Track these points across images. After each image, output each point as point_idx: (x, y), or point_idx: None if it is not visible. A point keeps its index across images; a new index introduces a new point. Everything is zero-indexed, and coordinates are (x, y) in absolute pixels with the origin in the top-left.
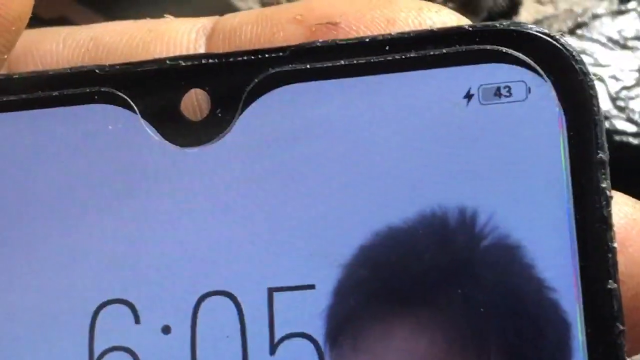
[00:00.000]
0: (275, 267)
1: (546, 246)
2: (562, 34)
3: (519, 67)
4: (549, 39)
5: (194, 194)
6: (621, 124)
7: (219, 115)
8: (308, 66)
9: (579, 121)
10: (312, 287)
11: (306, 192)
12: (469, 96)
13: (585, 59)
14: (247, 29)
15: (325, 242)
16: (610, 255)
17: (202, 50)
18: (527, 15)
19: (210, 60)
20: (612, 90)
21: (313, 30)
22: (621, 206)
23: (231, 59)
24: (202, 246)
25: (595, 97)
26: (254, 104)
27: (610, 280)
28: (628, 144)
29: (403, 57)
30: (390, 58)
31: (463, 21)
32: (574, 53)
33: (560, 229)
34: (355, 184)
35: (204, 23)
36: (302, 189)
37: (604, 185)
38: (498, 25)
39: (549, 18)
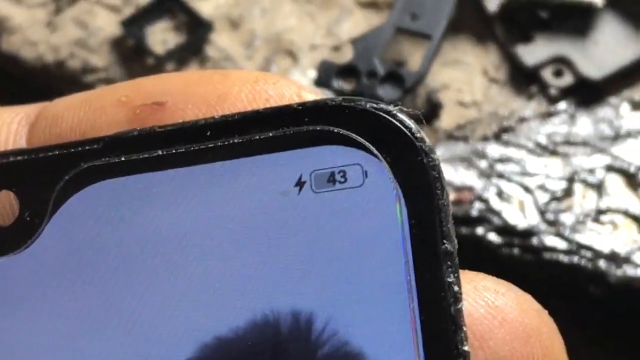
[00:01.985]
0: None
1: (389, 353)
2: (400, 109)
3: (353, 149)
4: (384, 114)
5: (2, 312)
6: (551, 240)
7: (27, 219)
8: (123, 158)
9: (420, 208)
10: None
11: (123, 302)
12: (300, 184)
13: (512, 167)
14: (70, 115)
15: (145, 357)
16: None
17: (23, 142)
18: (448, 119)
19: (18, 158)
20: (541, 202)
21: (137, 113)
22: (481, 292)
23: (40, 155)
24: None
25: (439, 178)
26: (65, 205)
27: None
28: (558, 263)
29: (226, 143)
30: (212, 145)
31: (304, 93)
32: (414, 129)
33: (403, 333)
34: (178, 290)
35: (27, 111)
36: (118, 298)
37: (450, 279)
38: (329, 102)
39: (473, 122)
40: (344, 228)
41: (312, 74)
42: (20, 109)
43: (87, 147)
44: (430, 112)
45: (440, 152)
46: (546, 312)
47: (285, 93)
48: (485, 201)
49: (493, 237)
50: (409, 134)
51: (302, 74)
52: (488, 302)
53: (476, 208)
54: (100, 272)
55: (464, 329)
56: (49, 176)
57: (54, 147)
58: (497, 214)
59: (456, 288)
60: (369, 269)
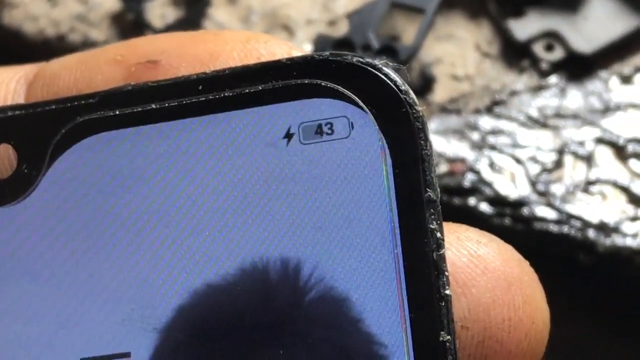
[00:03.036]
0: (87, 334)
1: (374, 297)
2: (386, 62)
3: (340, 101)
4: (370, 68)
5: (1, 259)
6: (541, 210)
7: (25, 171)
8: (118, 112)
9: (404, 157)
10: (127, 355)
11: (118, 250)
12: (289, 136)
13: (504, 139)
14: (66, 73)
15: (139, 304)
16: (442, 303)
17: (21, 100)
18: (442, 93)
19: (16, 112)
20: (532, 174)
21: (132, 71)
22: (463, 242)
23: (38, 109)
24: (8, 315)
25: (423, 130)
26: (61, 157)
27: (442, 332)
28: (548, 232)
29: (217, 97)
30: (203, 99)
31: (295, 52)
32: (399, 82)
33: (388, 278)
34: (171, 238)
35: (27, 71)
36: (113, 247)
37: (433, 226)
38: (317, 56)
39: (465, 95)
40: (330, 178)
41: (308, 48)
42: (19, 69)
43: (82, 102)
44: (424, 85)
45: (433, 125)
46: (527, 262)
47: (276, 52)
48: (477, 172)
49: (485, 207)
50: (393, 86)
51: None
52: (471, 251)
53: (468, 179)
54: (94, 221)
55: (446, 274)
56: (46, 130)
57: (51, 102)
58: (489, 184)
59: (438, 235)
60: (355, 217)
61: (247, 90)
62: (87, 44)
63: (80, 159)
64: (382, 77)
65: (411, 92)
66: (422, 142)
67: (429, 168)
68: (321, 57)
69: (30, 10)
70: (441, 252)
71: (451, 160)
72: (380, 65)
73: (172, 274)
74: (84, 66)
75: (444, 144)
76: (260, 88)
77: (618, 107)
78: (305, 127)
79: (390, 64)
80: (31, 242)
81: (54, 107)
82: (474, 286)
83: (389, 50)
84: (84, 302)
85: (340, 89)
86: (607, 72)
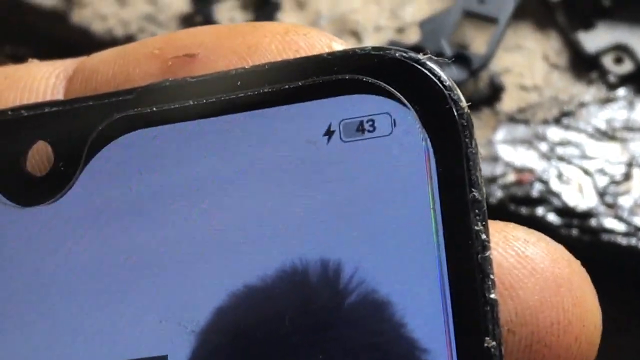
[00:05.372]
0: (123, 336)
1: (416, 301)
2: (430, 57)
3: (382, 98)
4: (413, 63)
5: (37, 259)
6: (609, 222)
7: (62, 168)
8: (155, 109)
9: (448, 156)
10: (164, 358)
11: (155, 250)
12: (329, 133)
13: (572, 150)
14: (105, 68)
15: (176, 306)
16: (487, 308)
17: (60, 96)
18: (510, 103)
19: (53, 109)
20: (600, 185)
21: (169, 65)
22: (511, 242)
23: (75, 106)
24: (44, 318)
25: (467, 127)
26: (98, 155)
27: (487, 338)
28: (616, 244)
29: (255, 93)
30: (242, 95)
31: (335, 44)
32: (443, 78)
33: (431, 281)
34: (209, 238)
35: (66, 65)
36: (150, 247)
37: (478, 227)
38: (358, 51)
39: (534, 106)
40: (372, 177)
41: None
42: (59, 64)
43: (120, 98)
44: (493, 95)
45: (501, 134)
46: (578, 262)
47: (316, 44)
48: (545, 183)
49: (552, 217)
50: (437, 82)
51: None
52: (518, 251)
53: (536, 189)
54: (132, 221)
55: (492, 277)
56: (83, 127)
57: (87, 99)
58: (557, 195)
59: (484, 236)
60: (397, 217)
61: (287, 86)
62: None
63: (118, 156)
64: (426, 72)
65: (456, 87)
66: (467, 140)
67: (473, 167)
68: (363, 52)
69: (99, 9)
70: (486, 255)
71: (519, 170)
72: (424, 60)
73: (210, 276)
74: (122, 60)
75: (512, 153)
76: (300, 84)
77: None
78: (346, 124)
79: (434, 58)
80: (68, 241)
81: (90, 103)
82: (521, 288)
83: (463, 58)
84: (122, 303)
85: (382, 84)
86: None
